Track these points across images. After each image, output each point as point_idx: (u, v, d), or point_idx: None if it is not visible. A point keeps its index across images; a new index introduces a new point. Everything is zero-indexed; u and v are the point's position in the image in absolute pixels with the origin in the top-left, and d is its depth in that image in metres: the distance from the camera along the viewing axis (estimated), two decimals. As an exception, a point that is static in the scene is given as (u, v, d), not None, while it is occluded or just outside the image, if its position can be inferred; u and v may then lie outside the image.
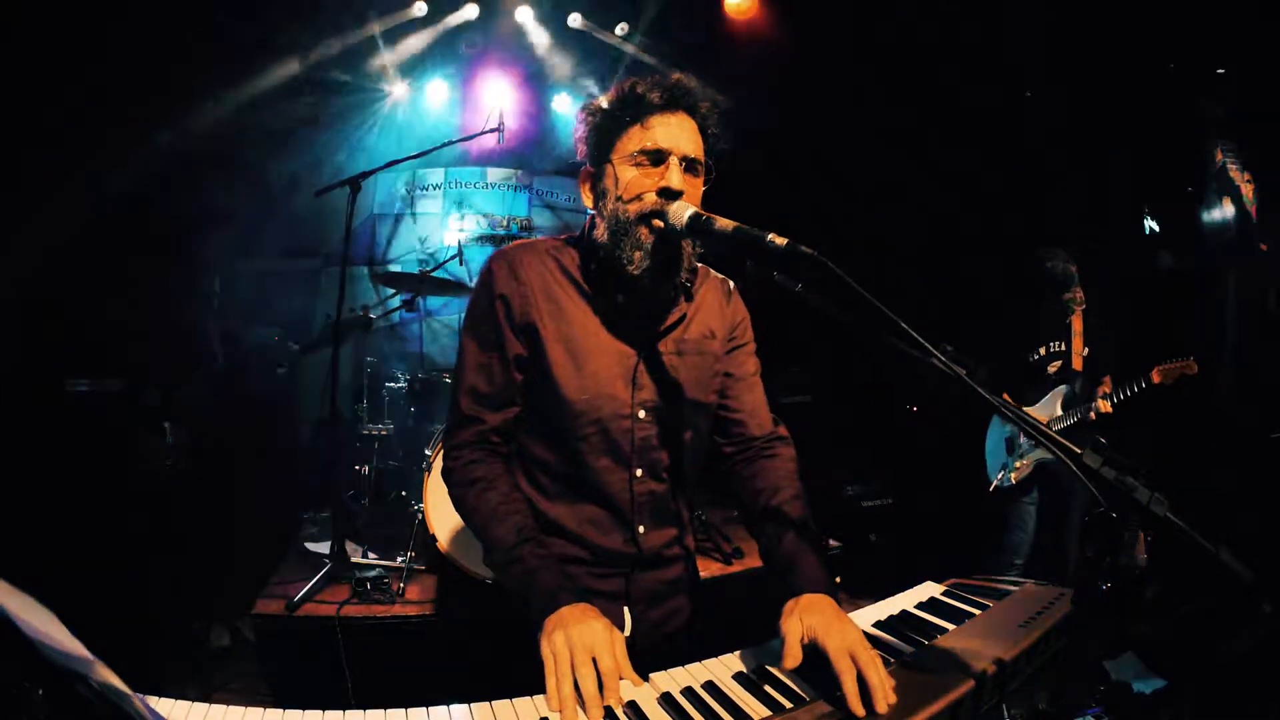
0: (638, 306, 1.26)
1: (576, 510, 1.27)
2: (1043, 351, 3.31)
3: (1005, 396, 3.37)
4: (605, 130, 1.23)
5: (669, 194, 1.17)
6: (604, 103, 1.24)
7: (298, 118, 4.84)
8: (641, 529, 1.28)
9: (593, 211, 1.27)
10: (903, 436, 4.75)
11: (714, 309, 1.37)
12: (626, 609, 1.29)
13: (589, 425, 1.23)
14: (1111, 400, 3.06)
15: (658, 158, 1.18)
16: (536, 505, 1.27)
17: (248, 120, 4.50)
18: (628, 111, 1.20)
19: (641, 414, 1.26)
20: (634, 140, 1.20)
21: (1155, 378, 2.96)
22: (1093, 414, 3.09)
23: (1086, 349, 3.26)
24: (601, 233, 1.22)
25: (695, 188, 1.22)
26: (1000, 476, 3.39)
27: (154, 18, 3.68)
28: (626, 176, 1.20)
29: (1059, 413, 3.23)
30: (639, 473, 1.27)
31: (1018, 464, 3.32)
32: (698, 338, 1.32)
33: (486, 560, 1.19)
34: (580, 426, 1.23)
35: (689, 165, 1.20)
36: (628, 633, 1.28)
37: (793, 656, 0.96)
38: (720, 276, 1.42)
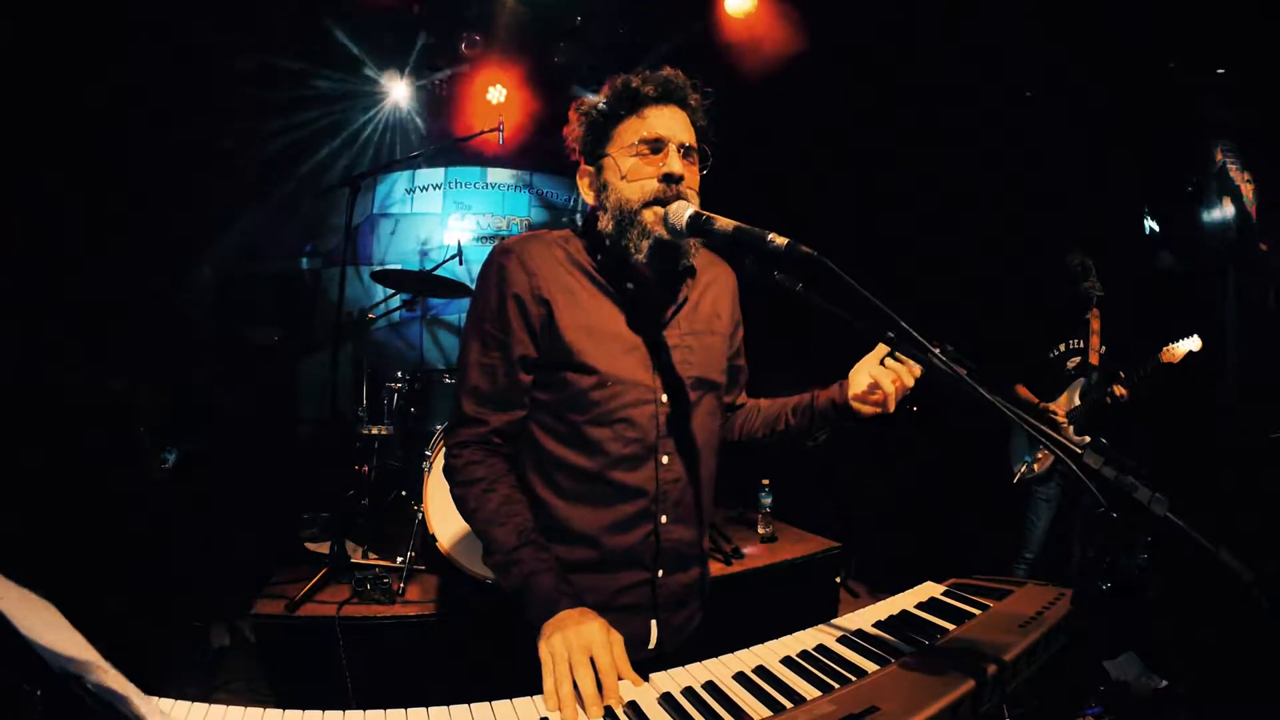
0: (648, 291, 1.28)
1: (599, 509, 1.24)
2: (1062, 348, 3.40)
3: (1023, 389, 3.43)
4: (601, 125, 1.26)
5: (670, 179, 1.20)
6: (598, 100, 1.27)
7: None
8: (664, 519, 1.27)
9: (594, 206, 1.29)
10: (904, 437, 4.75)
11: (725, 292, 1.42)
12: (654, 622, 1.28)
13: (615, 414, 1.23)
14: (1126, 384, 3.14)
15: (657, 145, 1.22)
16: (554, 509, 1.24)
17: (248, 118, 4.50)
18: (623, 105, 1.24)
19: (664, 397, 1.27)
20: (631, 131, 1.23)
21: (1164, 357, 3.09)
22: (1108, 398, 3.16)
23: (1103, 347, 3.33)
24: (606, 223, 1.24)
25: (693, 173, 1.26)
26: (1024, 469, 3.44)
27: (154, 14, 3.68)
28: (627, 165, 1.22)
29: (1076, 403, 3.30)
30: (665, 459, 1.26)
31: (1039, 454, 3.38)
32: (707, 317, 1.36)
33: (487, 561, 1.18)
34: (605, 415, 1.22)
35: (686, 152, 1.24)
36: (653, 645, 1.27)
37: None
38: (726, 269, 1.46)
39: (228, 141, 4.45)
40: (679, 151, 1.22)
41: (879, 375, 1.21)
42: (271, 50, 4.47)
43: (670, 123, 1.23)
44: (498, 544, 1.14)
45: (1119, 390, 3.16)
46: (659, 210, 1.20)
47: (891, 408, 1.23)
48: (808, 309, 1.02)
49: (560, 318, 1.22)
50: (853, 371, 1.29)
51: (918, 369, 1.19)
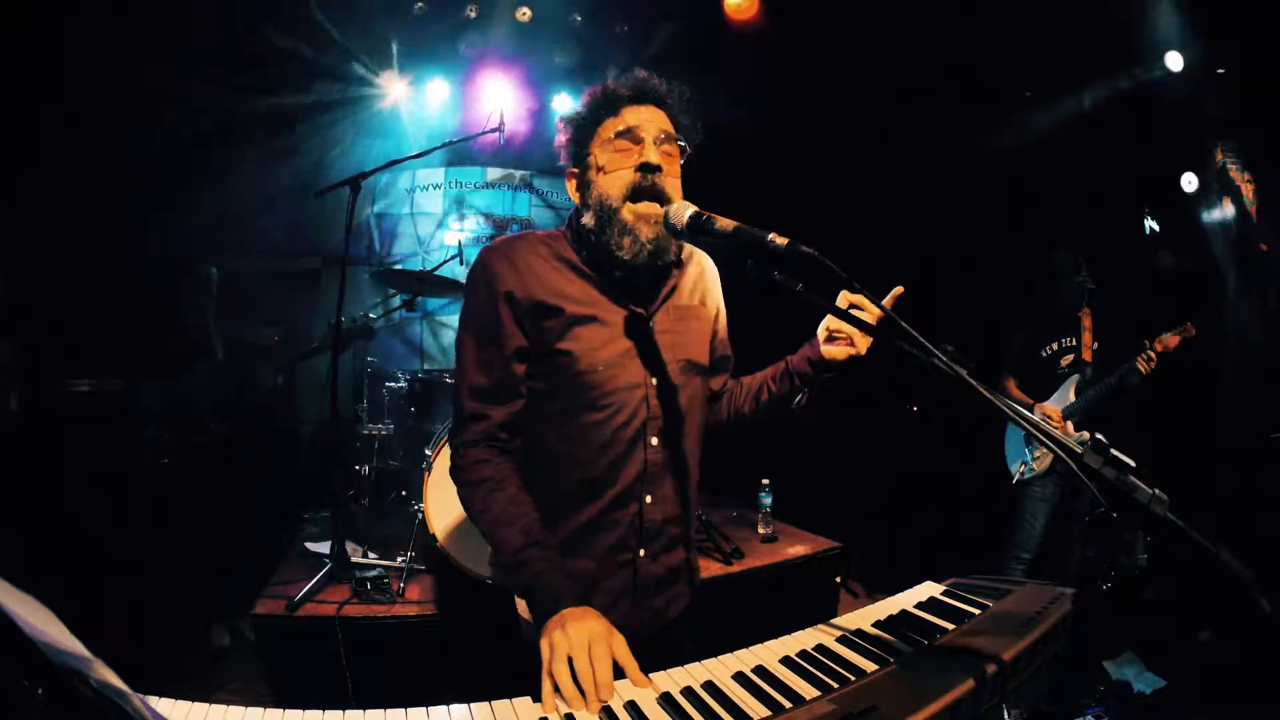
0: (635, 278, 1.30)
1: (587, 491, 1.27)
2: (1054, 347, 3.38)
3: (1014, 389, 3.41)
4: (582, 128, 1.30)
5: (647, 168, 1.23)
6: (579, 107, 1.32)
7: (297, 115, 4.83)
8: (649, 499, 1.29)
9: (579, 205, 1.32)
10: (903, 436, 4.75)
11: (707, 278, 1.46)
12: (630, 603, 1.30)
13: (605, 398, 1.25)
14: (1147, 360, 3.06)
15: (633, 136, 1.25)
16: (543, 493, 1.26)
17: (249, 117, 4.50)
18: (601, 107, 1.29)
19: (653, 380, 1.30)
20: (609, 128, 1.27)
21: (1158, 346, 3.05)
22: (1142, 364, 3.03)
23: (1096, 343, 3.31)
24: (590, 219, 1.27)
25: (672, 164, 1.29)
26: (1022, 468, 3.42)
27: (154, 11, 3.68)
28: (604, 159, 1.26)
29: (1072, 399, 3.28)
30: (654, 441, 1.29)
31: (1037, 453, 3.36)
32: (693, 304, 1.40)
33: (493, 562, 1.20)
34: (596, 400, 1.25)
35: (665, 140, 1.27)
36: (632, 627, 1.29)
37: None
38: (709, 260, 1.50)
39: (228, 141, 4.45)
40: (656, 141, 1.25)
41: (838, 322, 1.32)
42: (272, 50, 4.46)
43: (647, 117, 1.27)
44: (505, 544, 1.16)
45: (1143, 366, 3.04)
46: (636, 207, 1.23)
47: (860, 346, 1.31)
48: (808, 308, 1.02)
49: (549, 309, 1.25)
50: (819, 329, 1.38)
51: (874, 309, 1.25)
